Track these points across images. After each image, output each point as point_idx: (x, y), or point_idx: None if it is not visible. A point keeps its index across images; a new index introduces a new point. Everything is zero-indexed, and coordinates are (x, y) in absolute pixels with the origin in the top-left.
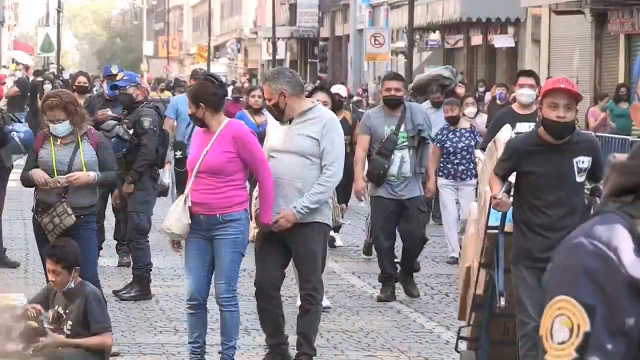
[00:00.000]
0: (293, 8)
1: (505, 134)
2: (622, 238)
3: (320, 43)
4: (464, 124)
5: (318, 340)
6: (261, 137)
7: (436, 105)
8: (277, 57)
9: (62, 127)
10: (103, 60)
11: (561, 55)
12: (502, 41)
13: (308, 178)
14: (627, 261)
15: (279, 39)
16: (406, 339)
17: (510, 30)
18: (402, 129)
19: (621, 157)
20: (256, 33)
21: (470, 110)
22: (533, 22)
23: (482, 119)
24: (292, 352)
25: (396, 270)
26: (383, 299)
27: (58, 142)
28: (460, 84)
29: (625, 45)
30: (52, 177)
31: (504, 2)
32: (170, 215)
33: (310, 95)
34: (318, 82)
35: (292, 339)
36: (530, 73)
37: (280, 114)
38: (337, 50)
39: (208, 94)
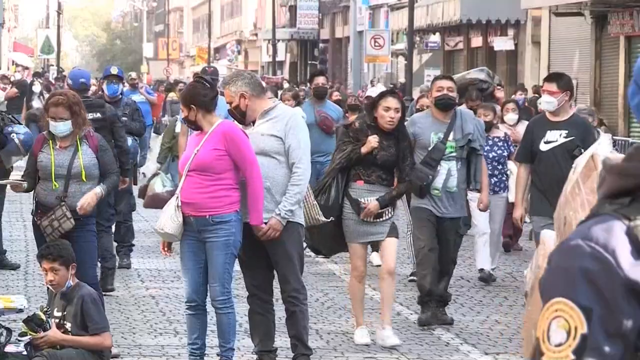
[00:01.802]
0: (293, 10)
1: (606, 147)
2: (619, 240)
3: (320, 45)
4: (497, 132)
5: (318, 342)
6: None
7: (475, 111)
8: (277, 59)
9: (63, 127)
10: (103, 61)
11: (561, 57)
12: (502, 43)
13: (276, 177)
14: (624, 263)
15: (279, 40)
16: (406, 341)
17: (510, 32)
18: (450, 137)
19: (616, 157)
20: (256, 35)
21: (511, 117)
22: (533, 23)
23: (524, 126)
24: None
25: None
26: (424, 322)
27: (57, 146)
28: (498, 87)
29: (626, 47)
30: (51, 181)
31: (504, 3)
32: (163, 215)
33: (379, 99)
34: (389, 85)
35: (287, 342)
36: (554, 77)
37: (242, 117)
38: (337, 52)
39: (199, 95)
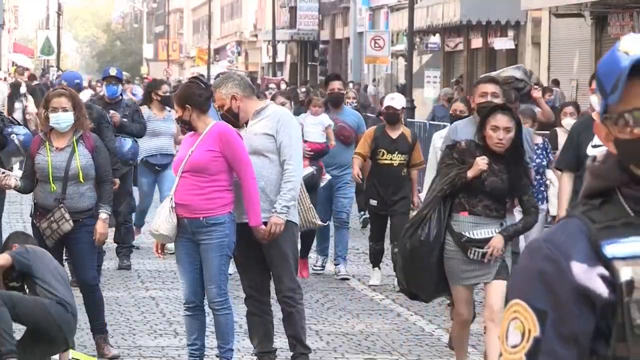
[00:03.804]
0: (293, 11)
1: None
2: (576, 244)
3: (321, 46)
4: (535, 139)
5: (318, 343)
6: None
7: None
8: (277, 60)
9: (65, 116)
10: (103, 63)
11: (561, 58)
12: (502, 43)
13: (269, 176)
14: (575, 268)
15: (279, 41)
16: (406, 342)
17: (510, 32)
18: None
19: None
20: (256, 36)
21: (569, 121)
22: (533, 24)
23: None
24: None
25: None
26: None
27: (54, 148)
28: (536, 87)
29: None
30: (49, 183)
31: (504, 4)
32: (157, 217)
33: (487, 116)
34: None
35: (287, 342)
36: None
37: (235, 119)
38: (337, 53)
39: (194, 95)
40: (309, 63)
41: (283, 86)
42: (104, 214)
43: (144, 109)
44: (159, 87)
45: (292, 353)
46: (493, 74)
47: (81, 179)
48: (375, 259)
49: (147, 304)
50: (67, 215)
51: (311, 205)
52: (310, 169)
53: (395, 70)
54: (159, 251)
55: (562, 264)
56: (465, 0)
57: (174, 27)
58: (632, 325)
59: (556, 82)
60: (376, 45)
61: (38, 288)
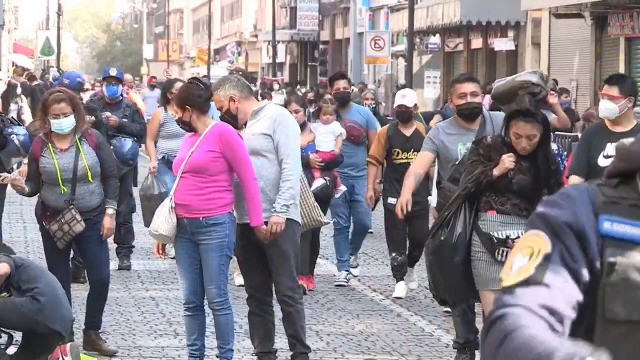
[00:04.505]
0: (293, 11)
1: None
2: (581, 199)
3: (321, 46)
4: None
5: (318, 343)
6: (304, 161)
7: None
8: (277, 61)
9: (68, 122)
10: (103, 63)
11: (561, 59)
12: (502, 44)
13: (269, 176)
14: (579, 210)
15: (279, 42)
16: (406, 342)
17: (510, 33)
18: None
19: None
20: (256, 36)
21: None
22: (533, 25)
23: None
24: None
25: (476, 334)
26: None
27: (58, 150)
28: (552, 93)
29: (626, 48)
30: (59, 186)
31: (504, 5)
32: (157, 217)
33: (508, 121)
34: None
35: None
36: (615, 80)
37: (234, 120)
38: (337, 53)
39: (193, 96)
40: (309, 63)
41: (276, 86)
42: (110, 209)
43: (161, 112)
44: (172, 86)
45: (291, 352)
46: (508, 78)
47: (90, 179)
48: (400, 272)
49: (147, 304)
50: (78, 216)
51: (316, 203)
52: (322, 181)
53: (395, 71)
54: (160, 252)
55: (565, 205)
56: (465, 1)
57: (174, 27)
58: (604, 307)
59: (556, 83)
60: (376, 45)
61: (21, 292)
